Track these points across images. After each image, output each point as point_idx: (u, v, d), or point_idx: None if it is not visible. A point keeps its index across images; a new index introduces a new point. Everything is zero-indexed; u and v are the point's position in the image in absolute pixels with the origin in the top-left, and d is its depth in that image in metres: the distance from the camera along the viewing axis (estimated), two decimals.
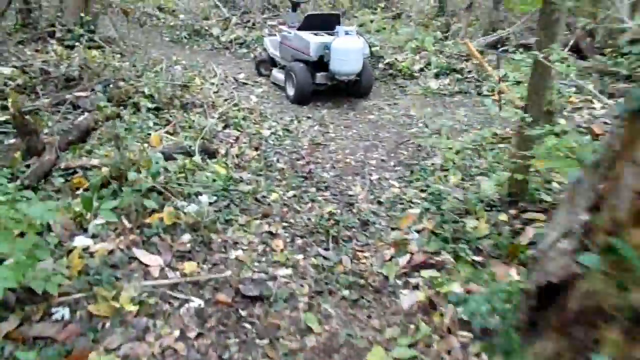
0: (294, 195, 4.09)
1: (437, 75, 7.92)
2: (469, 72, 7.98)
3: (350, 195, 4.18)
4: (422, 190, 4.17)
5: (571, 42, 8.91)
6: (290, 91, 6.81)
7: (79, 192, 3.41)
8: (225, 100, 6.16)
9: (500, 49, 9.48)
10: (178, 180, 3.70)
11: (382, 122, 6.14)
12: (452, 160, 4.70)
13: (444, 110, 6.65)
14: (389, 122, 6.14)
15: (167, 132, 4.85)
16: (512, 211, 3.44)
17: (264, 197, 4.00)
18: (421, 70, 8.10)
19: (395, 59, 8.24)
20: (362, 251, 3.27)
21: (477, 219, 3.43)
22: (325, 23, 7.02)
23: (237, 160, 4.61)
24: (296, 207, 3.89)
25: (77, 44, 7.92)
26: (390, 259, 3.07)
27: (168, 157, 4.15)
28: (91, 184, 3.28)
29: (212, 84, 6.74)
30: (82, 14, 7.87)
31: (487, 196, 3.71)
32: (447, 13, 12.33)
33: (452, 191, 3.99)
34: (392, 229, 3.54)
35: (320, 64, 6.50)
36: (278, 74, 7.41)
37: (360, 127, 5.93)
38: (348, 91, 6.97)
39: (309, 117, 6.14)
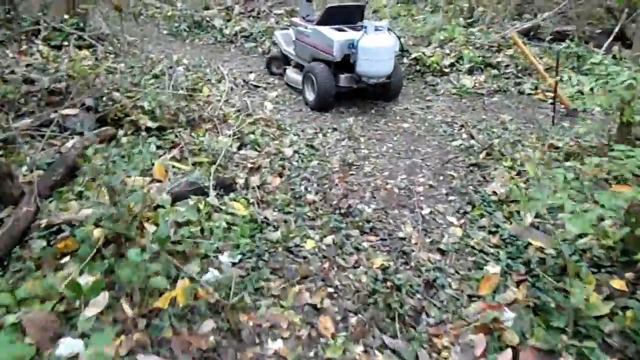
0: (334, 242, 3.30)
1: (470, 71, 7.07)
2: (507, 66, 7.12)
3: (402, 239, 3.40)
4: (491, 232, 3.38)
5: (616, 30, 8.06)
6: (310, 96, 5.97)
7: (66, 259, 2.63)
8: (238, 110, 5.33)
9: (531, 38, 8.61)
10: (192, 235, 2.91)
11: (419, 132, 5.31)
12: (516, 185, 3.91)
13: (486, 115, 5.82)
14: (427, 131, 5.32)
15: (173, 158, 4.05)
16: (629, 274, 2.66)
17: (297, 246, 3.22)
18: (452, 65, 7.24)
19: (423, 53, 7.36)
20: (438, 335, 2.50)
21: (582, 282, 2.65)
22: (347, 16, 6.15)
23: (259, 192, 3.81)
24: (339, 261, 3.10)
25: (65, 43, 7.07)
26: (484, 355, 2.30)
27: (177, 197, 3.37)
28: (79, 255, 2.50)
29: (221, 90, 5.88)
30: (70, 10, 6.98)
31: (585, 246, 2.92)
32: None
33: (533, 235, 3.20)
34: (470, 297, 2.77)
35: (345, 64, 5.65)
36: (293, 75, 6.55)
37: (395, 141, 5.10)
38: (375, 94, 6.13)
39: (334, 129, 5.32)
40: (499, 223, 3.45)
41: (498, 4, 10.79)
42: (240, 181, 3.92)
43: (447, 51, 7.44)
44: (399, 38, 5.66)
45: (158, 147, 4.16)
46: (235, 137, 4.62)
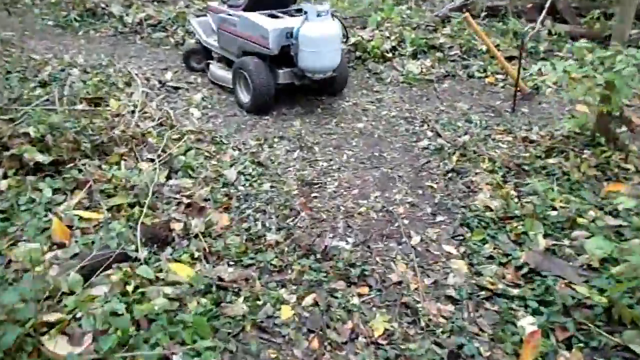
0: (316, 304, 2.53)
1: (414, 55, 6.49)
2: (450, 47, 6.64)
3: (398, 284, 2.70)
4: (503, 264, 2.79)
5: (547, 4, 7.90)
6: (244, 97, 5.03)
7: None
8: (159, 124, 4.28)
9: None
10: (120, 340, 1.98)
11: (378, 132, 4.62)
12: (510, 198, 3.37)
13: (442, 105, 5.28)
14: (386, 131, 4.64)
15: (79, 205, 2.99)
16: None
17: (269, 317, 2.41)
18: (394, 49, 6.61)
19: (361, 37, 6.65)
20: None
21: None
22: (276, 0, 5.25)
23: (205, 241, 2.90)
24: (330, 335, 2.34)
25: None
26: None
27: (92, 270, 2.39)
28: None
29: (133, 98, 4.73)
30: None
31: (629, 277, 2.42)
32: None
33: (556, 265, 2.66)
34: None
35: (283, 57, 4.77)
36: (219, 71, 5.54)
37: (354, 146, 4.37)
38: (318, 89, 5.33)
39: (281, 137, 4.45)
40: (508, 250, 2.87)
41: None
42: (178, 227, 2.98)
43: (387, 34, 6.79)
44: (343, 24, 4.88)
45: (55, 192, 3.06)
46: (161, 161, 3.61)
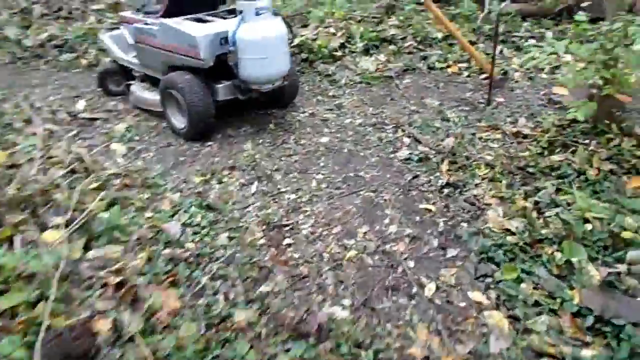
0: None
1: (366, 51, 5.82)
2: (403, 39, 6.03)
3: None
4: (554, 312, 2.12)
5: None
6: (179, 121, 4.12)
7: None
8: (71, 171, 3.29)
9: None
10: None
11: (347, 146, 3.87)
12: (527, 213, 2.73)
13: (410, 104, 4.63)
14: (356, 143, 3.91)
15: None
16: None
17: None
18: (342, 47, 5.90)
19: (305, 36, 5.89)
20: None
21: None
22: (202, 1, 4.39)
23: (147, 342, 2.02)
24: None
25: None
26: None
27: None
28: None
29: (31, 141, 3.69)
30: None
31: None
32: None
33: (629, 310, 2.02)
34: None
35: (221, 68, 3.92)
36: (144, 93, 4.58)
37: (321, 166, 3.60)
38: (267, 101, 4.53)
39: (231, 168, 3.59)
40: (553, 289, 2.21)
41: None
42: (104, 328, 2.07)
43: (332, 30, 6.08)
44: (287, 21, 4.09)
45: None
46: (75, 226, 2.67)
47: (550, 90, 4.64)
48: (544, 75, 5.13)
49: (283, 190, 3.29)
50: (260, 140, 4.02)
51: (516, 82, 5.03)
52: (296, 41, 5.72)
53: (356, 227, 2.87)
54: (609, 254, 2.35)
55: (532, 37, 5.99)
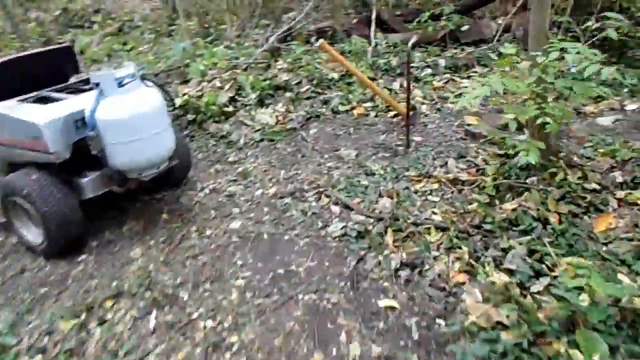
0: None
1: (261, 103, 5.17)
2: (298, 84, 5.50)
3: None
4: None
5: (373, 17, 7.37)
6: (33, 236, 3.05)
7: None
8: None
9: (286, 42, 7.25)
10: None
11: (264, 228, 3.11)
12: (514, 295, 2.21)
13: (324, 158, 4.04)
14: (275, 222, 3.16)
15: None
16: None
17: None
18: (233, 100, 5.19)
19: (187, 94, 5.07)
20: None
21: None
22: (43, 72, 3.43)
23: None
24: None
25: None
26: None
27: None
28: None
29: None
30: None
31: None
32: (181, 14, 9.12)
33: None
34: None
35: (83, 157, 2.97)
36: None
37: (239, 265, 2.78)
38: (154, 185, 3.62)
39: (117, 294, 2.63)
40: None
41: (235, 15, 9.15)
42: None
43: (218, 83, 5.34)
44: (162, 87, 3.26)
45: None
46: None
47: (463, 121, 4.37)
48: (449, 105, 4.89)
49: (195, 316, 2.42)
50: (152, 242, 3.09)
51: (426, 115, 4.72)
52: (178, 102, 4.88)
53: (306, 355, 2.11)
54: (628, 342, 1.88)
55: (428, 67, 5.82)
